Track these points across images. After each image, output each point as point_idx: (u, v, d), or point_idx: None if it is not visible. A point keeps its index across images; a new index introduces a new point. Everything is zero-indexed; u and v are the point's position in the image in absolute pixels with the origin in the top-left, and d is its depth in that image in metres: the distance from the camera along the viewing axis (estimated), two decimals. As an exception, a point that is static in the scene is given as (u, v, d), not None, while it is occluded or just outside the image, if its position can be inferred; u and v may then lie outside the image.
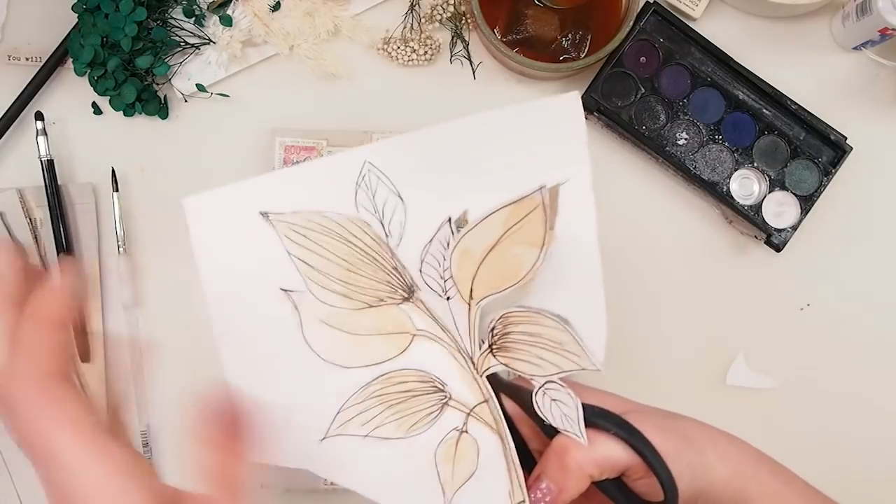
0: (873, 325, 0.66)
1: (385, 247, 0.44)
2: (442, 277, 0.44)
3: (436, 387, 0.44)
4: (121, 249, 0.66)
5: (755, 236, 0.65)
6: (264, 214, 0.44)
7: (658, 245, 0.67)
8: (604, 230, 0.67)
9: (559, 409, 0.42)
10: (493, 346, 0.44)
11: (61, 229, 0.65)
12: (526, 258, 0.42)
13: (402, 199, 0.44)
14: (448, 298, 0.44)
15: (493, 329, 0.44)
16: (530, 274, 0.43)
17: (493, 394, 0.44)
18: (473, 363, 0.44)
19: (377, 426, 0.44)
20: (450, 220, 0.44)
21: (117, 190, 0.66)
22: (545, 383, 0.43)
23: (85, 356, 0.65)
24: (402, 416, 0.44)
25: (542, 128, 0.44)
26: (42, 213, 0.66)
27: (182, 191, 0.67)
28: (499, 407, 0.44)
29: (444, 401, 0.44)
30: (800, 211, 0.64)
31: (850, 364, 0.66)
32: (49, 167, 0.65)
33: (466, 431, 0.44)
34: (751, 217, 0.64)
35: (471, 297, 0.44)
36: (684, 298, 0.66)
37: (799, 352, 0.66)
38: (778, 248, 0.64)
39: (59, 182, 0.66)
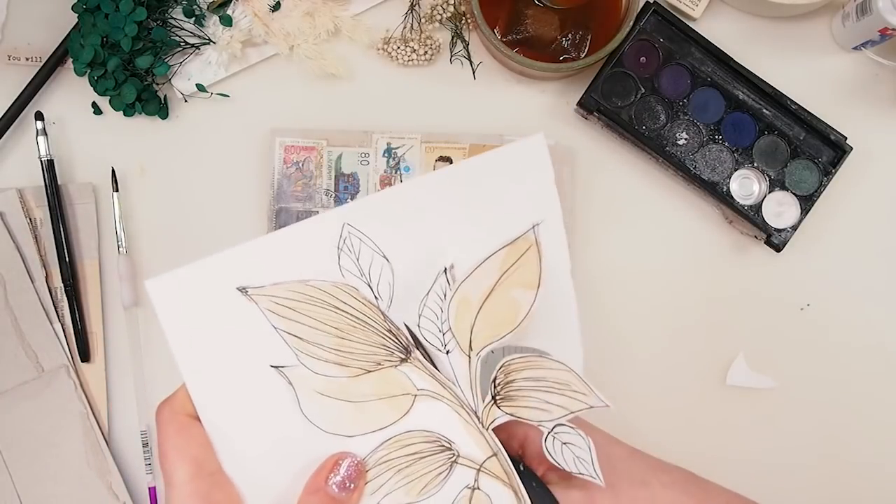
0: (873, 324, 0.66)
1: (376, 310, 0.43)
2: (440, 331, 0.43)
3: (443, 446, 0.43)
4: (121, 249, 0.66)
5: (755, 236, 0.65)
6: (242, 290, 0.42)
7: (658, 245, 0.67)
8: (604, 230, 0.67)
9: (571, 452, 0.42)
10: (497, 397, 0.43)
11: (61, 229, 0.65)
12: (522, 301, 0.42)
13: (387, 258, 0.43)
14: (447, 352, 0.43)
15: (495, 379, 0.43)
16: (528, 317, 0.42)
17: (501, 447, 0.43)
18: (478, 417, 0.43)
19: (387, 493, 0.42)
20: (445, 270, 0.43)
21: (117, 190, 0.66)
22: (554, 427, 0.42)
23: (85, 356, 0.65)
24: (411, 479, 0.42)
25: (514, 171, 0.44)
26: (42, 213, 0.66)
27: (182, 191, 0.68)
28: (508, 460, 0.43)
29: (453, 459, 0.43)
30: (800, 211, 0.64)
31: (849, 364, 0.66)
32: (49, 167, 0.65)
33: (479, 488, 0.43)
34: (751, 217, 0.64)
35: (470, 348, 0.43)
36: (684, 298, 0.66)
37: (799, 352, 0.66)
38: (778, 248, 0.64)
39: (59, 182, 0.66)
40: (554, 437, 0.42)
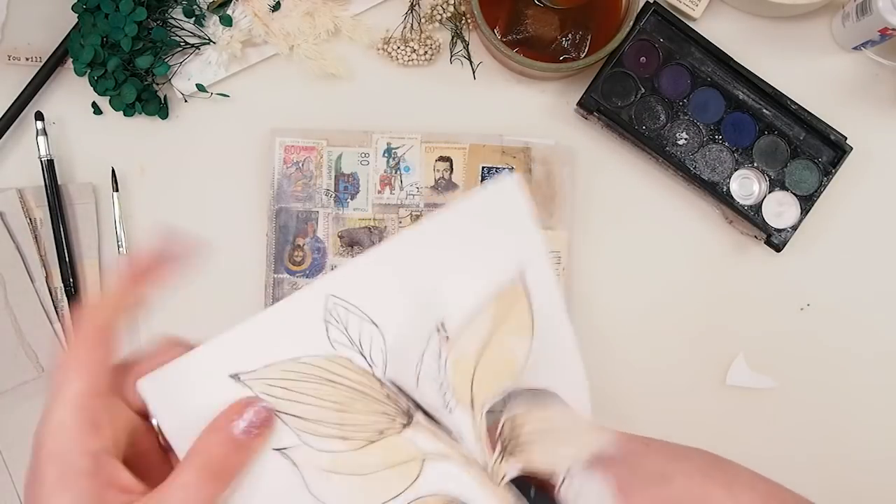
0: (873, 324, 0.66)
1: (372, 378, 0.42)
2: (441, 390, 0.42)
3: None
4: (121, 249, 0.66)
5: (755, 236, 0.65)
6: (235, 377, 0.41)
7: (658, 245, 0.67)
8: (604, 230, 0.67)
9: (586, 499, 0.41)
10: (506, 451, 0.42)
11: (61, 229, 0.65)
12: (518, 349, 0.42)
13: (376, 324, 0.42)
14: (450, 411, 0.42)
15: (501, 433, 0.42)
16: (528, 364, 0.42)
17: (520, 494, 0.42)
18: (487, 473, 0.42)
19: None
20: (438, 329, 0.42)
21: (117, 190, 0.66)
22: (565, 477, 0.41)
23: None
24: None
25: (491, 216, 0.43)
26: (42, 213, 0.66)
27: (182, 191, 0.68)
28: None
29: None
30: (800, 211, 0.64)
31: (849, 364, 0.66)
32: (49, 167, 0.65)
33: None
34: (751, 217, 0.64)
35: (472, 403, 0.42)
36: (684, 298, 0.66)
37: (799, 352, 0.66)
38: (778, 248, 0.64)
39: (59, 182, 0.66)
40: (569, 484, 0.41)
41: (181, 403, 0.40)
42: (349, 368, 0.42)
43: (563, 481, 0.41)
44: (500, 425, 0.42)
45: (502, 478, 0.42)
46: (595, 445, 0.42)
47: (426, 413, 0.42)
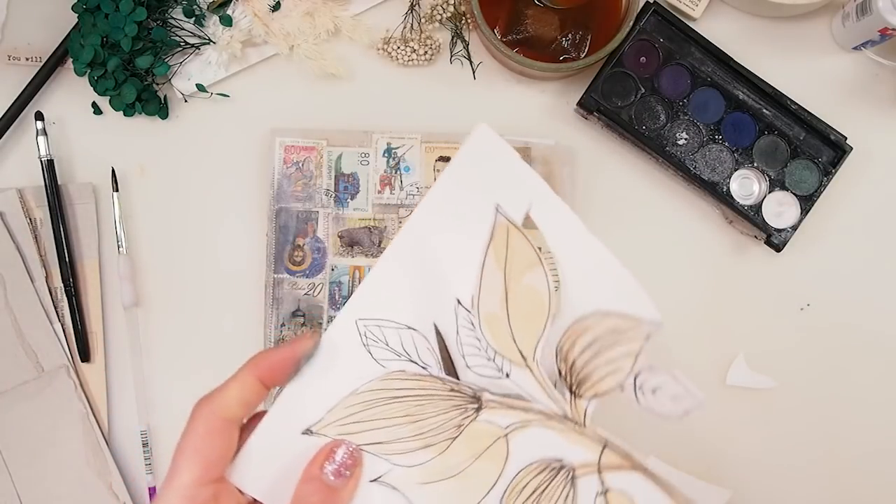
0: (873, 324, 0.66)
1: (431, 378, 0.42)
2: (489, 359, 0.42)
3: (555, 468, 0.42)
4: (121, 249, 0.66)
5: (755, 236, 0.65)
6: (308, 432, 0.41)
7: (658, 245, 0.67)
8: (604, 230, 0.67)
9: (664, 392, 0.41)
10: (573, 387, 0.42)
11: (61, 229, 0.65)
12: (537, 282, 0.41)
13: (411, 327, 0.42)
14: (507, 375, 0.42)
15: (560, 372, 0.42)
16: (555, 294, 0.41)
17: (604, 435, 0.42)
18: (570, 419, 0.42)
19: None
20: (458, 303, 0.42)
21: (117, 190, 0.66)
22: (636, 381, 0.41)
23: (85, 356, 0.65)
24: None
25: (476, 172, 0.43)
26: (42, 213, 0.66)
27: (182, 191, 0.68)
28: (620, 442, 0.41)
29: (571, 475, 0.41)
30: (800, 211, 0.64)
31: (849, 364, 0.66)
32: (49, 167, 0.65)
33: (609, 489, 0.41)
34: (751, 217, 0.64)
35: (523, 357, 0.42)
36: (684, 298, 0.66)
37: (799, 352, 0.66)
38: (778, 248, 0.64)
39: (59, 182, 0.66)
40: (641, 390, 0.41)
41: (271, 476, 0.41)
42: (405, 378, 0.42)
43: (636, 389, 0.41)
44: (556, 366, 0.42)
45: (584, 416, 0.42)
46: (641, 331, 0.41)
47: (491, 390, 0.42)
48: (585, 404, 0.42)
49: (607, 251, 0.42)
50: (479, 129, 0.42)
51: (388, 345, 0.42)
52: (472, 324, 0.42)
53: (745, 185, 0.64)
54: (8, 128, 0.66)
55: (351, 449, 0.41)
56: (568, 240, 0.42)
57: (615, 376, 0.41)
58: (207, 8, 0.66)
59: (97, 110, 0.67)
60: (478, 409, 0.42)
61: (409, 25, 0.67)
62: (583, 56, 0.64)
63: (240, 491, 0.40)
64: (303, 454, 0.41)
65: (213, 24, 0.66)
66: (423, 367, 0.42)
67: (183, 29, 0.66)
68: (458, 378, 0.42)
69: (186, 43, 0.66)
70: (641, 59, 0.65)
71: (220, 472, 0.39)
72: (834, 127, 0.64)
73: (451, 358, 0.43)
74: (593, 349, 0.41)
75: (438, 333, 0.42)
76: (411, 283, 0.42)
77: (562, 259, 0.42)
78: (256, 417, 0.41)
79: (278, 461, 0.41)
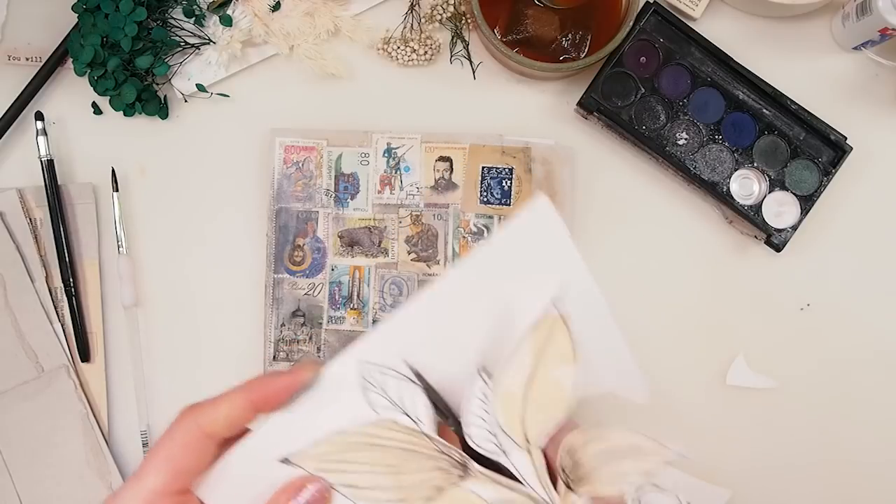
0: (873, 324, 0.66)
1: (420, 435, 0.41)
2: (491, 433, 0.41)
3: None
4: (121, 249, 0.66)
5: (755, 236, 0.65)
6: (285, 460, 0.40)
7: (658, 245, 0.67)
8: (604, 230, 0.67)
9: None
10: (570, 482, 0.41)
11: (61, 229, 0.65)
12: (564, 378, 0.40)
13: (414, 381, 0.41)
14: (505, 453, 0.41)
15: (561, 464, 0.41)
16: (577, 392, 0.40)
17: None
18: None
19: None
20: (479, 371, 0.41)
21: (117, 190, 0.66)
22: (638, 493, 0.40)
23: (85, 356, 0.65)
24: None
25: (527, 242, 0.42)
26: (42, 213, 0.66)
27: (182, 191, 0.68)
28: None
29: None
30: (800, 211, 0.64)
31: (849, 364, 0.66)
32: (49, 167, 0.65)
33: None
34: (751, 217, 0.64)
35: (527, 440, 0.41)
36: (684, 298, 0.66)
37: (799, 352, 0.66)
38: (778, 248, 0.64)
39: (59, 182, 0.66)
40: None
41: (239, 497, 0.40)
42: (395, 430, 0.41)
43: (638, 502, 0.40)
44: (558, 457, 0.41)
45: None
46: (660, 458, 0.40)
47: (483, 459, 0.41)
48: (578, 501, 0.41)
49: (630, 355, 0.43)
50: (538, 201, 0.42)
51: (385, 392, 0.41)
52: (486, 397, 0.41)
53: (745, 185, 0.64)
54: (8, 128, 0.66)
55: (321, 488, 0.40)
56: (595, 326, 0.42)
57: (619, 486, 0.40)
58: (207, 8, 0.66)
59: (97, 110, 0.67)
60: (462, 476, 0.41)
61: (409, 25, 0.67)
62: (583, 56, 0.64)
63: None
64: (275, 482, 0.40)
65: (213, 24, 0.66)
66: (415, 422, 0.41)
67: (183, 29, 0.66)
68: (461, 435, 0.41)
69: (186, 43, 0.66)
70: (641, 59, 0.65)
71: (188, 483, 0.38)
72: (834, 127, 0.64)
73: (449, 416, 0.42)
74: (607, 456, 0.41)
75: (440, 391, 0.42)
76: (432, 336, 0.42)
77: (586, 345, 0.41)
78: (236, 436, 0.40)
79: (250, 484, 0.40)
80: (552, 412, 0.41)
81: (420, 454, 0.41)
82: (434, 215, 0.66)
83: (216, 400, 0.39)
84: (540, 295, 0.41)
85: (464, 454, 0.41)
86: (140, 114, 0.67)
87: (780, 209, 0.64)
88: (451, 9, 0.66)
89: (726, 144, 0.64)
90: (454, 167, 0.66)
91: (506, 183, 0.66)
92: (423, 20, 0.67)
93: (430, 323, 0.41)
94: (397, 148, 0.66)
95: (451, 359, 0.41)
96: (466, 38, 0.67)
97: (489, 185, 0.66)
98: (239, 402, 0.39)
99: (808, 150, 0.64)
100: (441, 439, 0.41)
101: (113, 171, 0.66)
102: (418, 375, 0.41)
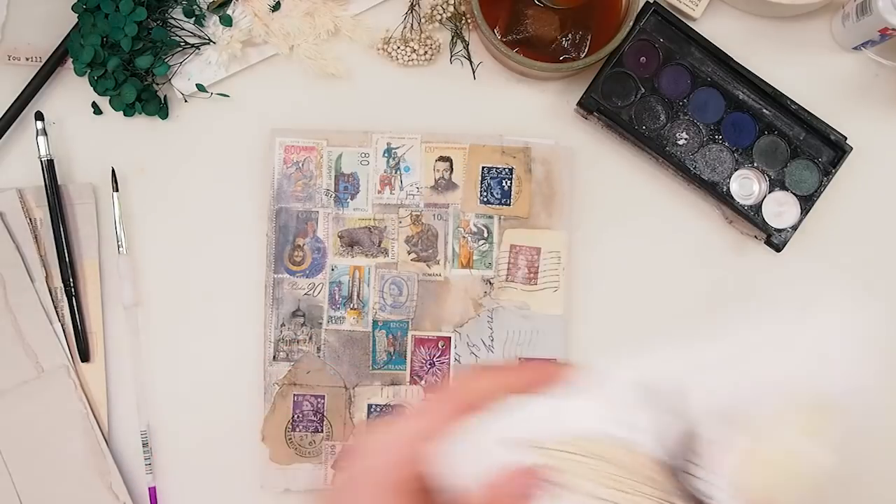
0: (873, 324, 0.66)
1: (655, 466, 0.38)
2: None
3: None
4: (121, 249, 0.66)
5: (755, 236, 0.65)
6: (522, 443, 0.38)
7: (658, 245, 0.66)
8: (604, 230, 0.67)
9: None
10: None
11: (61, 229, 0.65)
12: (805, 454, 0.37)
13: (672, 412, 0.38)
14: None
15: None
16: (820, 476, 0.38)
17: None
18: None
19: None
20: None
21: (117, 190, 0.66)
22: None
23: (85, 356, 0.65)
24: None
25: None
26: (42, 213, 0.66)
27: (182, 191, 0.68)
28: None
29: None
30: (800, 211, 0.64)
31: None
32: (49, 167, 0.65)
33: None
34: (751, 217, 0.64)
35: None
36: (684, 298, 0.66)
37: (799, 352, 0.66)
38: (778, 248, 0.64)
39: (59, 182, 0.66)
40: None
41: (465, 466, 0.39)
42: (636, 454, 0.38)
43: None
44: None
45: None
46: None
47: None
48: None
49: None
50: None
51: (642, 415, 0.39)
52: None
53: (745, 185, 0.64)
54: (8, 128, 0.66)
55: (541, 478, 0.38)
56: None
57: None
58: (207, 8, 0.66)
59: (97, 110, 0.67)
60: None
61: (409, 25, 0.67)
62: (583, 56, 0.64)
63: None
64: (503, 463, 0.39)
65: (213, 24, 0.66)
66: (662, 456, 0.38)
67: (183, 29, 0.66)
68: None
69: (186, 43, 0.66)
70: (641, 59, 0.65)
71: (436, 437, 0.38)
72: (834, 127, 0.64)
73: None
74: None
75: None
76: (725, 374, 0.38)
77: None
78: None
79: (477, 459, 0.39)
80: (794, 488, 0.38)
81: (654, 481, 0.38)
82: (434, 215, 0.66)
83: (491, 376, 0.39)
84: None
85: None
86: (140, 114, 0.67)
87: (780, 209, 0.64)
88: (451, 9, 0.66)
89: (726, 144, 0.64)
90: (454, 167, 0.66)
91: (506, 183, 0.66)
92: (423, 20, 0.67)
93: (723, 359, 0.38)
94: (397, 148, 0.66)
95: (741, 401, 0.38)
96: (466, 38, 0.67)
97: (489, 185, 0.66)
98: (508, 382, 0.39)
99: (808, 150, 0.64)
100: (680, 487, 0.38)
101: (113, 171, 0.66)
102: (685, 412, 0.39)
